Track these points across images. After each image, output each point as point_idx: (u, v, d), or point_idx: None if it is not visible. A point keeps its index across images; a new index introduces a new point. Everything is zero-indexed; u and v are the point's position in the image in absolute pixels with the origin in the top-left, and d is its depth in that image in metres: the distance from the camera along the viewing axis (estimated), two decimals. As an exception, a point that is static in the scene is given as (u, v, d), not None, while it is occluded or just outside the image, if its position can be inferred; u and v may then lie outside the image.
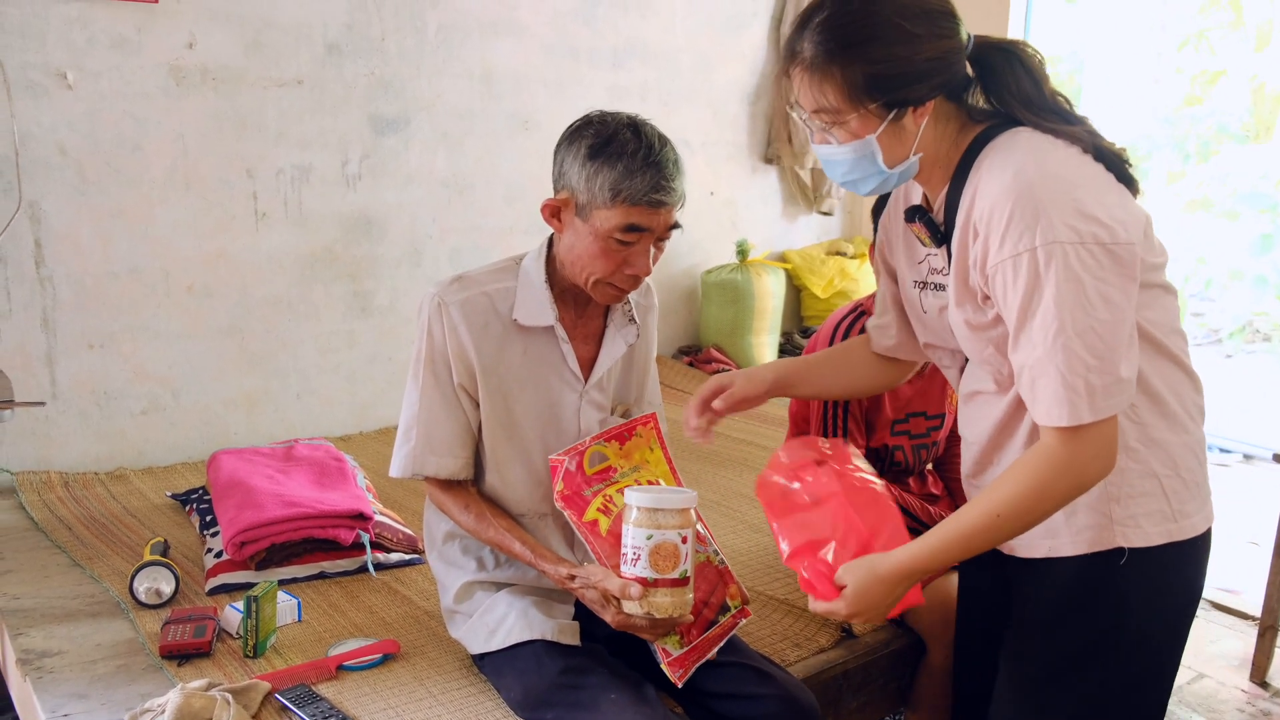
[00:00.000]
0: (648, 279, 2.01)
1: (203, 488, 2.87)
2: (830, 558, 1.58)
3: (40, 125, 3.00)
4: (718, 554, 1.89)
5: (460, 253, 3.85)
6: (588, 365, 1.95)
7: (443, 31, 3.71)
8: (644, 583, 1.65)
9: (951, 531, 1.48)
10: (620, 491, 1.82)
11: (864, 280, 4.76)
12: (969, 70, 1.52)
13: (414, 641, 2.10)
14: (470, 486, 1.95)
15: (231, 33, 3.28)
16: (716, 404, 1.84)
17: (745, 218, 4.84)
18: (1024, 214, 1.38)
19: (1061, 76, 6.28)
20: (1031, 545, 1.58)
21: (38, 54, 2.97)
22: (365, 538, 2.49)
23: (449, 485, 1.93)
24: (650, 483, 1.88)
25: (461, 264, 3.82)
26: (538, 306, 1.89)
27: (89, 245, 3.12)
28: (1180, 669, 3.05)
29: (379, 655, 2.02)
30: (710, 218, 4.71)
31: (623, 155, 1.73)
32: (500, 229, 3.89)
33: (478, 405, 1.91)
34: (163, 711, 1.71)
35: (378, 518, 2.55)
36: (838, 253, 4.93)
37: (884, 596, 1.52)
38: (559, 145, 1.82)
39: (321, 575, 2.44)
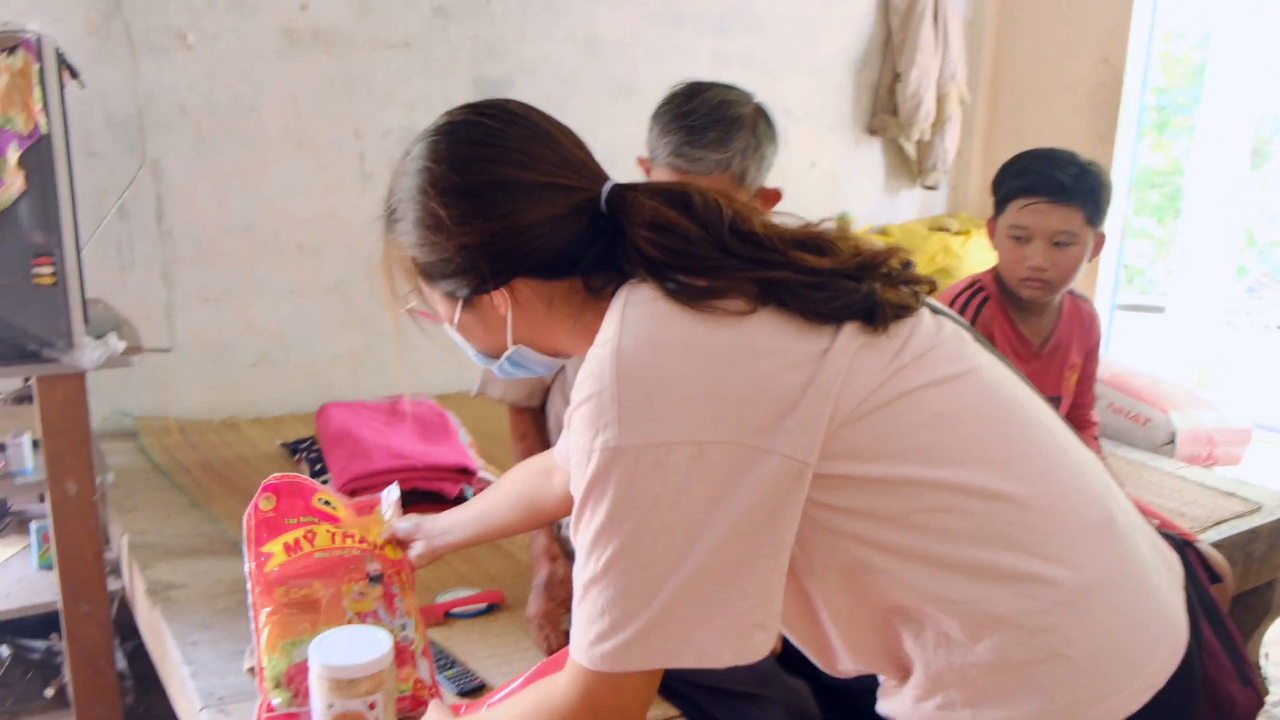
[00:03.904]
0: None
1: (311, 438, 2.95)
2: None
3: (161, 85, 3.09)
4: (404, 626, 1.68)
5: (560, 216, 3.87)
6: None
7: (548, -5, 3.74)
8: None
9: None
10: (335, 537, 1.70)
11: (967, 258, 4.61)
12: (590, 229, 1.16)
13: (518, 594, 2.13)
14: (536, 418, 2.09)
15: (343, -5, 3.34)
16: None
17: (847, 190, 4.74)
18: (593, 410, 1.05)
19: (1177, 53, 6.07)
20: (884, 696, 1.22)
21: (160, 16, 3.05)
22: (469, 491, 2.55)
23: (515, 411, 2.09)
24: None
25: (562, 228, 3.83)
26: None
27: (206, 203, 3.21)
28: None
29: (485, 604, 2.07)
30: (811, 190, 4.62)
31: (663, 114, 1.77)
32: (601, 194, 3.89)
33: None
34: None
35: (481, 473, 2.61)
36: (940, 228, 4.79)
37: None
38: None
39: (426, 526, 2.49)
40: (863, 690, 1.61)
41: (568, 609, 1.86)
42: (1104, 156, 4.40)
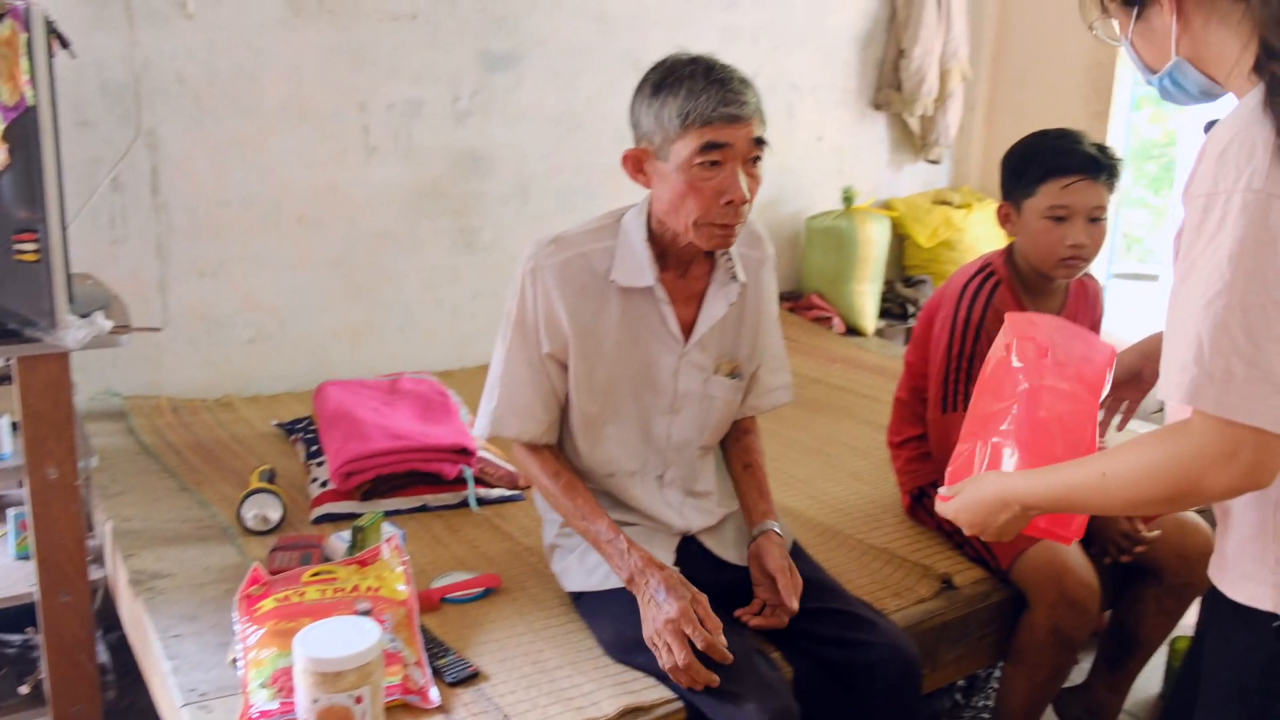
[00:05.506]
0: (760, 230, 1.98)
1: (308, 418, 2.90)
2: (977, 460, 1.53)
3: (160, 53, 3.02)
4: (393, 640, 1.71)
5: (568, 191, 3.83)
6: (689, 326, 1.91)
7: (557, -33, 3.67)
8: None
9: (1059, 475, 1.34)
10: (327, 591, 1.77)
11: (969, 231, 4.65)
12: None
13: (515, 577, 2.11)
14: (558, 453, 1.94)
15: (348, -36, 3.27)
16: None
17: (852, 164, 4.74)
18: (1242, 148, 1.13)
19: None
20: (1234, 585, 1.32)
21: (160, -17, 2.99)
22: (468, 472, 2.50)
23: (534, 450, 1.92)
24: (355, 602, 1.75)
25: (569, 202, 3.82)
26: (637, 267, 1.85)
27: (203, 174, 3.15)
28: None
29: (481, 589, 2.03)
30: (817, 163, 4.61)
31: (684, 79, 1.70)
32: (608, 168, 3.77)
33: (565, 369, 1.88)
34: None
35: (480, 453, 2.56)
36: (943, 202, 4.82)
37: (987, 517, 1.41)
38: (630, 103, 1.80)
39: (424, 508, 2.46)
40: (853, 672, 1.74)
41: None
42: (1100, 130, 4.53)
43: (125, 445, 2.80)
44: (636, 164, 1.80)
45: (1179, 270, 1.18)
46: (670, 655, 1.65)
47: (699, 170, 1.71)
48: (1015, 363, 1.56)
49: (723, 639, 1.68)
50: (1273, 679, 1.28)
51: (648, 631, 1.71)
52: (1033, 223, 2.20)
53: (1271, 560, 1.25)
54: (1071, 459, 1.39)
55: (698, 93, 1.69)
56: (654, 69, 1.77)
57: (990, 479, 1.43)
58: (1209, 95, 1.31)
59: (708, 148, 1.70)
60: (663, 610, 1.70)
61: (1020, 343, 1.58)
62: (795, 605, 1.79)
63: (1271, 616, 1.25)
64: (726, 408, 2.00)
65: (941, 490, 1.52)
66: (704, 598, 1.73)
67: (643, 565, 1.77)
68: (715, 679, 1.63)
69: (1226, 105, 1.26)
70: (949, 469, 1.58)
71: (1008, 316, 1.66)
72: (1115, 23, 1.36)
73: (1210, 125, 1.28)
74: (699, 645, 1.65)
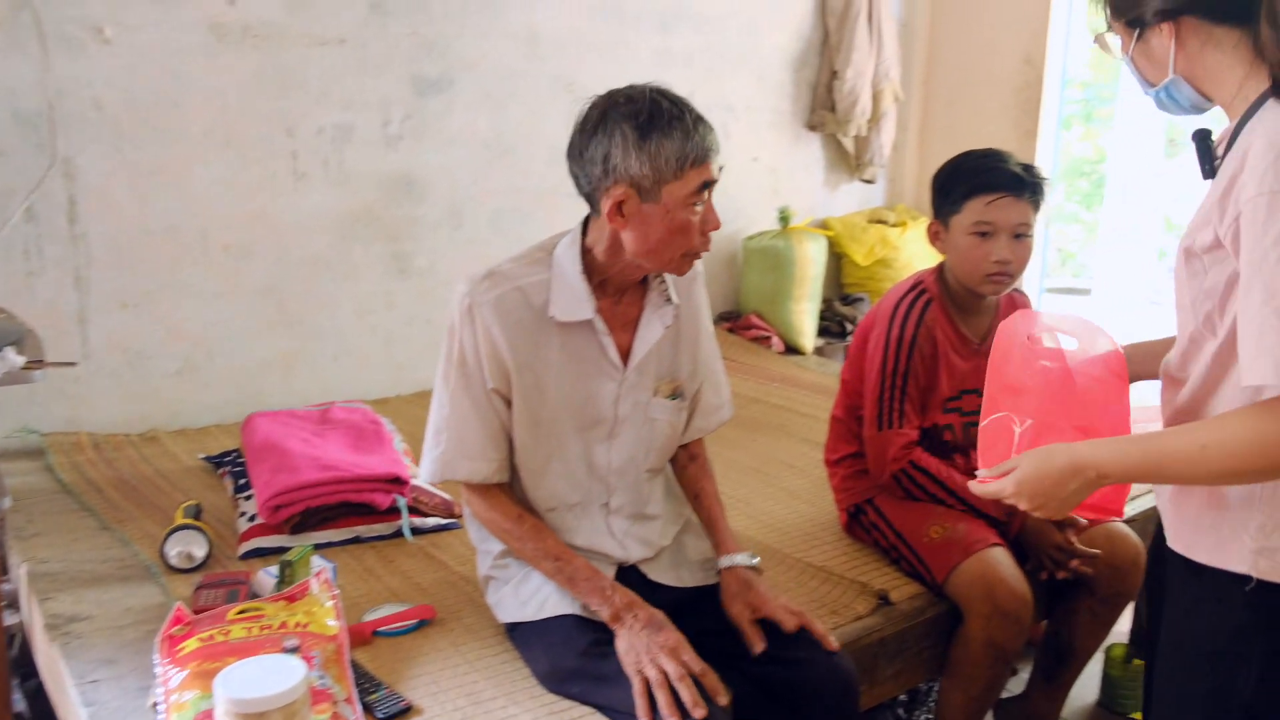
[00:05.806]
0: None
1: (236, 450, 2.83)
2: (1018, 432, 1.58)
3: (76, 80, 2.96)
4: (321, 677, 1.67)
5: (501, 214, 3.80)
6: (626, 352, 1.89)
7: (487, -10, 3.65)
8: None
9: (1149, 444, 1.35)
10: (252, 629, 1.72)
11: (904, 249, 4.71)
12: None
13: (450, 607, 2.07)
14: (510, 493, 1.91)
15: (273, -12, 3.23)
16: None
17: (787, 184, 4.78)
18: None
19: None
20: (1207, 551, 1.41)
21: (75, 7, 2.92)
22: (401, 502, 2.46)
23: (488, 492, 1.89)
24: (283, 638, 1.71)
25: (502, 226, 3.80)
26: (575, 300, 1.82)
27: (124, 203, 3.09)
28: None
29: (415, 621, 1.99)
30: (753, 184, 4.65)
31: (674, 119, 1.69)
32: (542, 190, 3.84)
33: (509, 404, 1.85)
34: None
35: (414, 482, 2.51)
36: (879, 220, 4.89)
37: (1053, 488, 1.41)
38: (586, 145, 1.73)
39: (356, 540, 2.41)
40: (791, 691, 1.76)
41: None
42: (1028, 149, 4.66)
43: (42, 484, 2.72)
44: (619, 208, 1.74)
45: (1246, 265, 1.25)
46: (659, 673, 1.64)
47: (691, 210, 1.72)
48: (1040, 349, 1.64)
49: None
50: (1243, 642, 1.36)
51: (634, 657, 1.68)
52: (959, 239, 2.25)
53: (1254, 527, 1.34)
54: (1112, 434, 1.50)
55: (690, 133, 1.69)
56: (624, 109, 1.71)
57: (1060, 450, 1.42)
58: (1199, 109, 1.45)
59: (705, 186, 1.72)
60: (656, 638, 1.69)
61: (1041, 331, 1.67)
62: (759, 648, 1.80)
63: (1244, 579, 1.34)
64: (670, 429, 1.98)
65: (981, 472, 1.54)
66: (684, 638, 1.73)
67: (628, 603, 1.77)
68: (704, 705, 1.61)
69: (1217, 116, 1.45)
70: (979, 447, 1.61)
71: (1017, 312, 1.75)
72: (1117, 40, 1.50)
73: (1198, 134, 1.45)
74: (695, 671, 1.65)
